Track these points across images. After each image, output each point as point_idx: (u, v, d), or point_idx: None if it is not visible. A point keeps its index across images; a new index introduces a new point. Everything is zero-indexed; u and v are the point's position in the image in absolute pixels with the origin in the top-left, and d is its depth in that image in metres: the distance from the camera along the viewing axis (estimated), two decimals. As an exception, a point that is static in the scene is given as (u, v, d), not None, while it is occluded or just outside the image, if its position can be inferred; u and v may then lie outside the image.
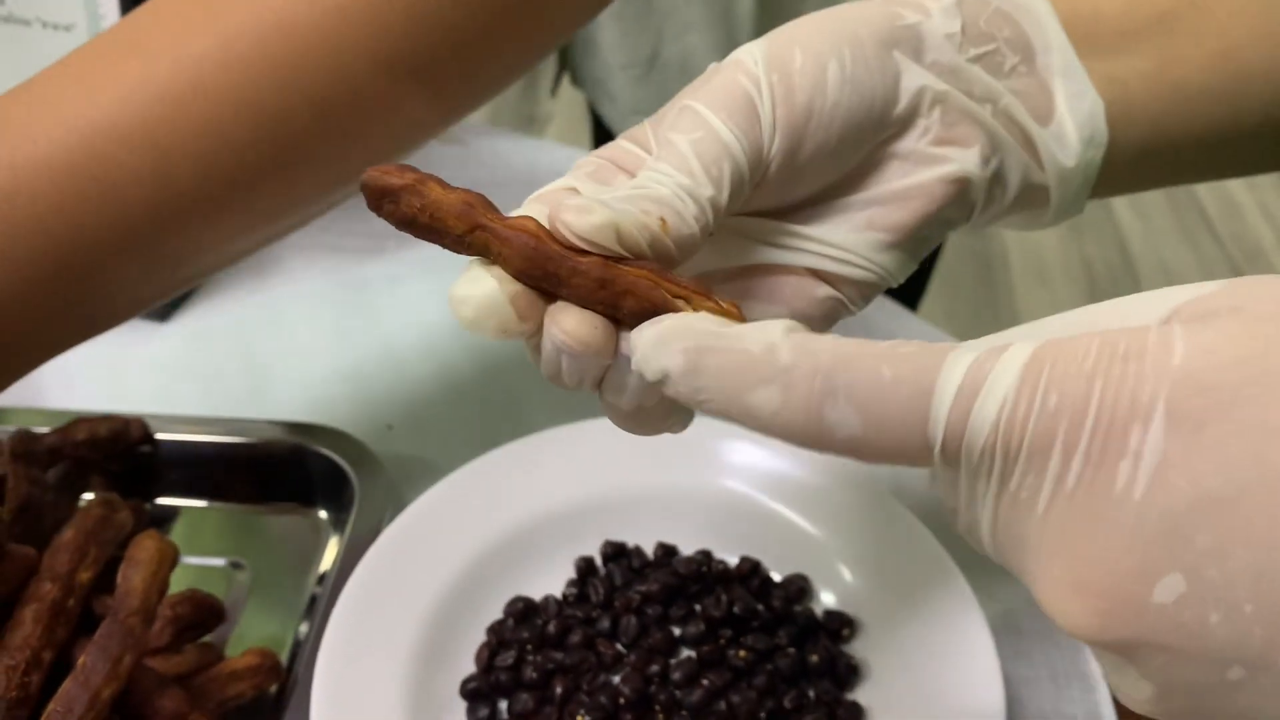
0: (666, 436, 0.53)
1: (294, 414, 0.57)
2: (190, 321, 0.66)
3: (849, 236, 0.30)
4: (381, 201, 0.27)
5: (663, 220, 0.26)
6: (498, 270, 0.26)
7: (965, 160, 0.31)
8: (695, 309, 0.25)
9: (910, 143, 0.31)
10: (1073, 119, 0.32)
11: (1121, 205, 2.17)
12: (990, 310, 1.92)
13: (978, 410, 0.21)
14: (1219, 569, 0.19)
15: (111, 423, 0.53)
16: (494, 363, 0.63)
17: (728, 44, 0.80)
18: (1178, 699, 0.21)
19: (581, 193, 0.28)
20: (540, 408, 0.59)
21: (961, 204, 0.32)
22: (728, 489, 0.52)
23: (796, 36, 0.29)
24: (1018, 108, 0.32)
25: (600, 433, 0.53)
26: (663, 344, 0.25)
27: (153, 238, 0.38)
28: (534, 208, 0.28)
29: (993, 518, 0.22)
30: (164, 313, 0.65)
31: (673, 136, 0.28)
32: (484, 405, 0.60)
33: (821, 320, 0.31)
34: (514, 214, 0.27)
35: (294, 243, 0.70)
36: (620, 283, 0.26)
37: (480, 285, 0.26)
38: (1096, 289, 2.00)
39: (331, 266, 0.69)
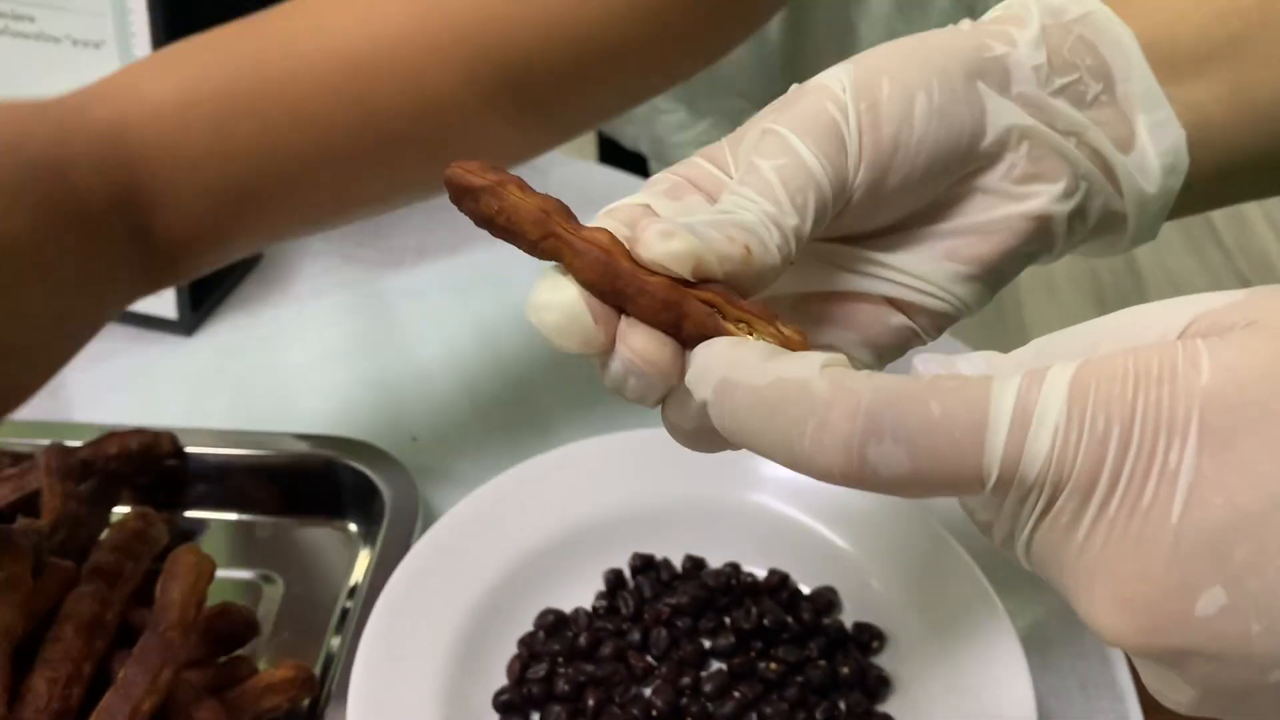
0: (692, 451, 0.53)
1: (319, 426, 0.58)
2: (215, 335, 0.66)
3: (928, 266, 0.30)
4: (462, 198, 0.27)
5: (747, 248, 0.26)
6: (566, 281, 0.26)
7: (1050, 196, 0.31)
8: (756, 335, 0.26)
9: (996, 178, 0.31)
10: (1155, 147, 0.32)
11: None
12: (998, 321, 1.92)
13: (1031, 441, 0.21)
14: (1259, 580, 0.20)
15: (142, 436, 0.54)
16: (517, 375, 0.63)
17: (754, 63, 0.81)
18: (1219, 701, 0.22)
19: (659, 212, 0.28)
20: (565, 420, 0.60)
21: (1044, 238, 0.31)
22: (755, 501, 0.52)
23: (885, 65, 0.29)
24: (1101, 139, 0.32)
25: (627, 446, 0.54)
26: (706, 371, 0.25)
27: (358, 166, 0.42)
28: (607, 223, 0.28)
29: (1031, 537, 0.22)
30: (190, 326, 0.65)
31: (758, 161, 0.28)
32: (508, 417, 0.61)
33: (893, 349, 0.31)
34: (590, 225, 0.27)
35: (315, 257, 0.71)
36: (684, 307, 0.26)
37: (562, 293, 0.26)
38: (1104, 300, 2.00)
39: (351, 278, 0.69)
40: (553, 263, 0.27)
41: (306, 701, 0.47)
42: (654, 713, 0.45)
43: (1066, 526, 0.22)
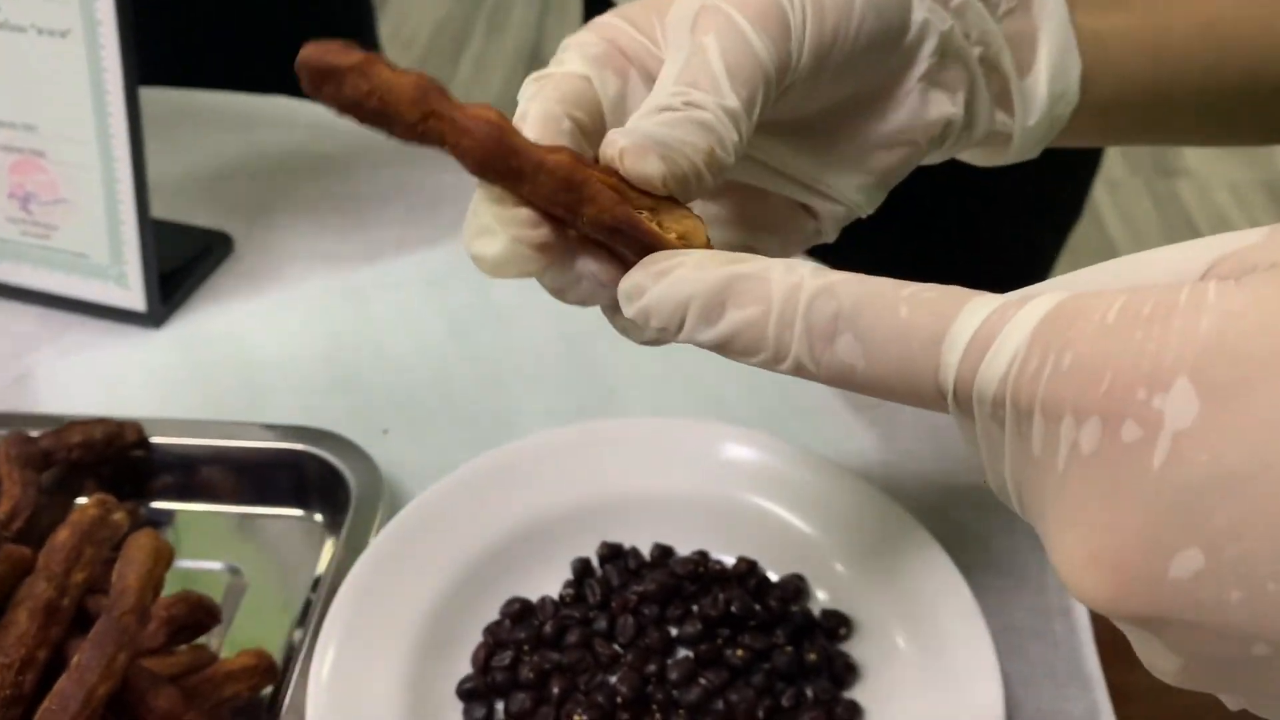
0: (661, 439, 0.53)
1: (290, 419, 0.57)
2: (184, 329, 0.66)
3: (839, 179, 0.31)
4: (322, 84, 0.24)
5: (711, 152, 0.26)
6: (508, 210, 0.25)
7: (950, 105, 0.32)
8: (662, 224, 0.25)
9: (912, 78, 0.31)
10: (1048, 74, 0.33)
11: (1111, 220, 2.18)
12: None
13: (987, 363, 0.21)
14: (1239, 547, 0.18)
15: (106, 426, 0.53)
16: (489, 369, 0.63)
17: None
18: (1205, 673, 0.21)
19: (599, 89, 0.27)
20: (536, 413, 0.59)
21: (936, 146, 0.32)
22: (724, 490, 0.52)
23: None
24: (1005, 55, 0.32)
25: (596, 436, 0.53)
26: (667, 301, 0.24)
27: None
28: (542, 96, 0.26)
29: (1014, 477, 0.22)
30: (159, 319, 0.65)
31: (704, 42, 0.27)
32: (480, 411, 0.60)
33: (797, 247, 0.32)
34: (521, 92, 0.26)
35: (290, 252, 0.70)
36: (587, 189, 0.24)
37: (495, 243, 0.25)
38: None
39: (327, 274, 0.69)
40: (480, 195, 0.25)
41: (269, 690, 0.47)
42: (619, 700, 0.44)
43: (1044, 464, 0.20)
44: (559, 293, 0.27)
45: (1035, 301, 0.21)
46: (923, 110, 0.31)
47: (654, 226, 0.25)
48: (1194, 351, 0.18)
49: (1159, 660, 0.21)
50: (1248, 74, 0.35)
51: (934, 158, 0.34)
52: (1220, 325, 0.18)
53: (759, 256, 0.24)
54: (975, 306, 0.21)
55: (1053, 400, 0.20)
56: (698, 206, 0.29)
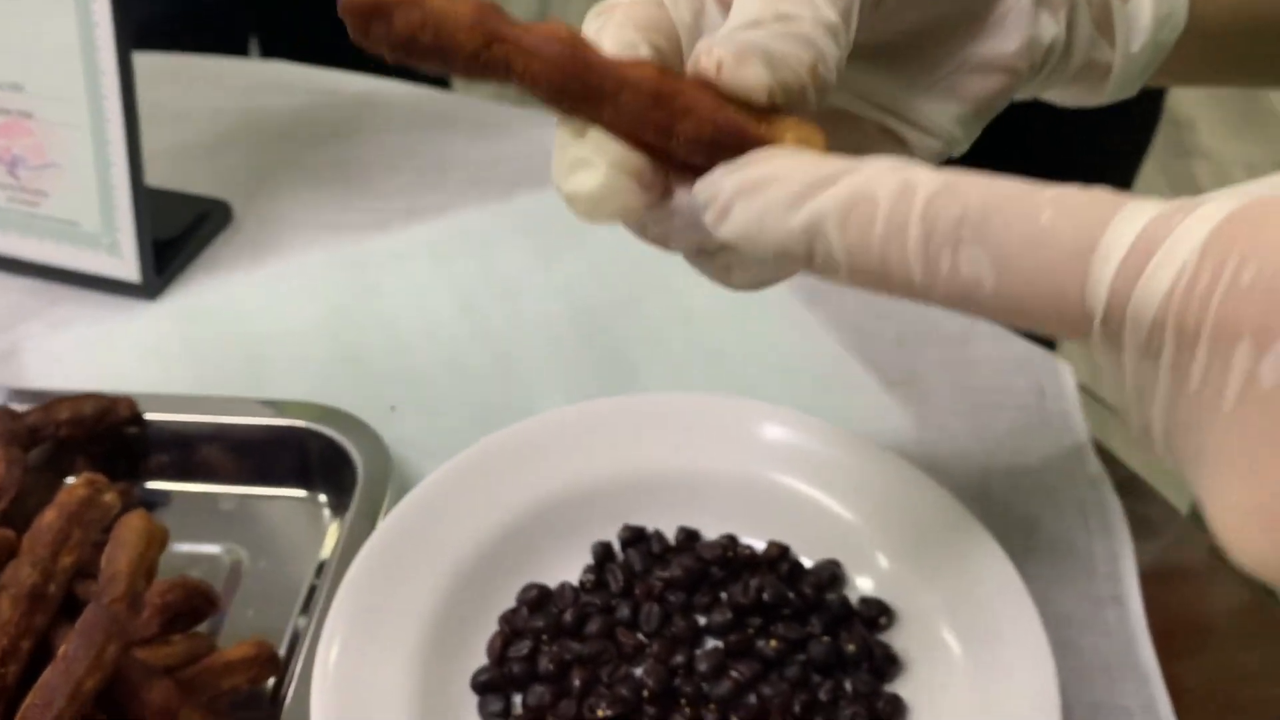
0: (687, 416, 0.50)
1: (292, 396, 0.54)
2: (180, 301, 0.62)
3: (933, 107, 0.28)
4: (370, 24, 0.22)
5: (814, 68, 0.23)
6: (597, 138, 0.22)
7: (1055, 26, 0.29)
8: (774, 134, 0.21)
9: (1009, 0, 0.28)
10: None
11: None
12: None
13: (1147, 278, 0.17)
14: None
15: (97, 401, 0.50)
16: (502, 345, 0.59)
17: None
18: None
19: (675, 17, 0.24)
20: (552, 390, 0.56)
21: (1036, 72, 0.30)
22: (754, 470, 0.49)
23: None
24: None
25: (617, 412, 0.50)
26: (759, 194, 0.21)
27: None
28: (612, 26, 0.24)
29: (1167, 417, 0.18)
30: (153, 290, 0.62)
31: None
32: (491, 387, 0.57)
33: None
34: (586, 31, 0.23)
35: (292, 221, 0.67)
36: (681, 101, 0.21)
37: (591, 177, 0.23)
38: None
39: (331, 245, 0.66)
40: (563, 130, 0.22)
41: (271, 682, 0.44)
42: (645, 693, 0.42)
43: (1208, 403, 0.17)
44: (662, 240, 0.24)
45: (1207, 207, 0.17)
46: (1025, 31, 0.29)
47: (763, 131, 0.21)
48: None
49: None
50: None
51: (1028, 90, 0.31)
52: None
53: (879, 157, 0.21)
54: (1132, 212, 0.18)
55: (1228, 322, 0.17)
56: None
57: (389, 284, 0.63)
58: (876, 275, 0.20)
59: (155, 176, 0.65)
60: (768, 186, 0.21)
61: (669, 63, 0.25)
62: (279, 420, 0.52)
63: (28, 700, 0.36)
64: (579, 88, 0.21)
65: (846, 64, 0.27)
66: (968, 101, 0.29)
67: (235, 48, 0.82)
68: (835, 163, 0.21)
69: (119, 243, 0.61)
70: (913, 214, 0.19)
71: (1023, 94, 0.31)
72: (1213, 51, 0.32)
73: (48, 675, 0.37)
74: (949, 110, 0.29)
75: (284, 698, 0.42)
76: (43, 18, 0.57)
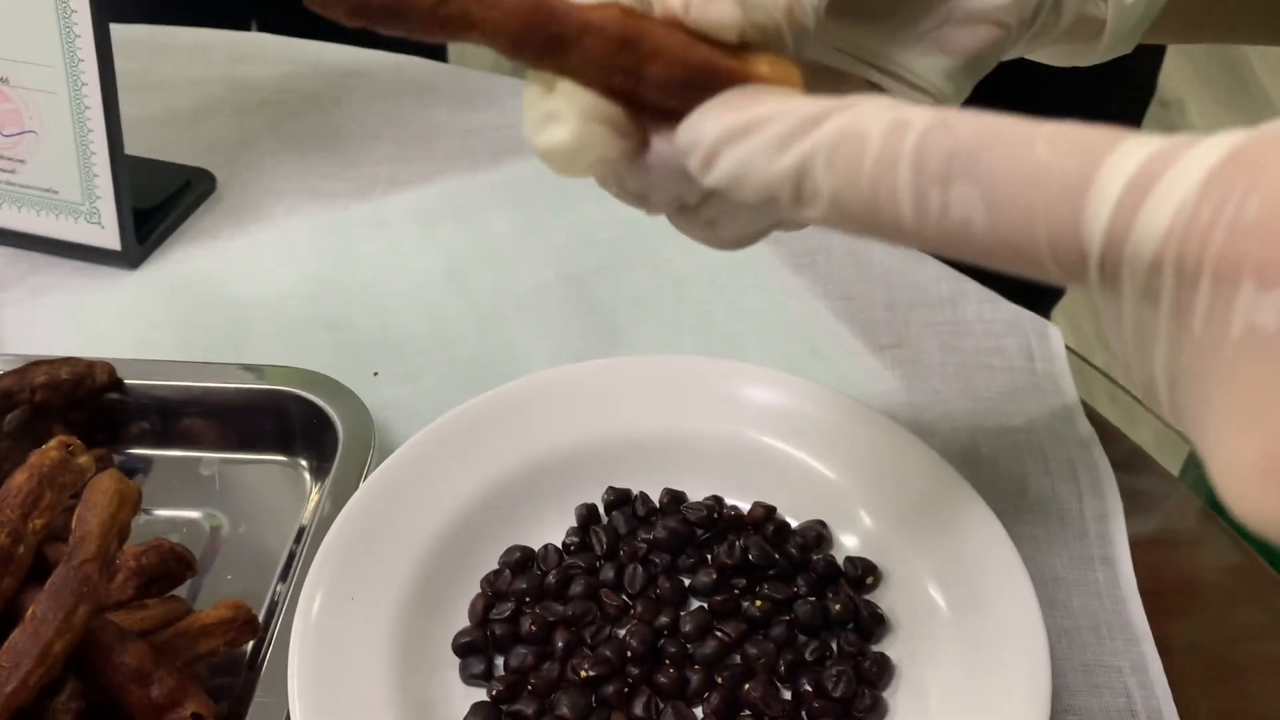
0: (672, 378, 0.49)
1: (275, 363, 0.53)
2: (162, 269, 0.62)
3: (923, 61, 0.28)
4: None
5: (789, 7, 0.22)
6: (568, 90, 0.21)
7: None
8: (749, 69, 0.21)
9: None
10: None
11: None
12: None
13: (1147, 215, 0.16)
14: None
15: (73, 365, 0.49)
16: (486, 310, 0.59)
17: None
18: None
19: None
20: (536, 356, 0.56)
21: (1027, 27, 0.29)
22: (739, 431, 0.48)
23: None
24: None
25: (601, 374, 0.50)
26: (746, 137, 0.20)
27: None
28: None
29: (1169, 368, 0.18)
30: (135, 259, 0.61)
31: None
32: (476, 352, 0.57)
33: None
34: None
35: (275, 190, 0.67)
36: (648, 42, 0.20)
37: (565, 127, 0.22)
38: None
39: (314, 211, 0.65)
40: (528, 79, 0.21)
41: (249, 648, 0.43)
42: (629, 654, 0.41)
43: (1207, 338, 0.16)
44: (642, 195, 0.23)
45: (1208, 142, 0.17)
46: None
47: (737, 65, 0.21)
48: None
49: None
50: None
51: (1020, 48, 0.30)
52: None
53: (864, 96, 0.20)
54: (1131, 147, 0.17)
55: (1231, 260, 0.16)
56: None
57: (372, 251, 0.63)
58: (866, 216, 0.19)
59: (139, 146, 0.64)
60: (755, 129, 0.20)
61: (639, 4, 0.24)
62: (260, 385, 0.51)
63: (-4, 661, 0.36)
64: (541, 37, 0.20)
65: (829, 16, 0.26)
66: (956, 54, 0.28)
67: (216, 21, 0.82)
68: (824, 101, 0.20)
69: (99, 210, 0.60)
70: (904, 150, 0.18)
71: (1014, 52, 0.30)
72: (1208, 3, 0.31)
73: (16, 636, 0.36)
74: (938, 64, 0.28)
75: (262, 662, 0.42)
76: (18, -19, 0.56)
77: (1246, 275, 0.16)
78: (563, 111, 0.22)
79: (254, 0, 0.97)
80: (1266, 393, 0.16)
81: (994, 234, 0.18)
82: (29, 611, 0.36)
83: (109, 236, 0.60)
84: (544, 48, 0.21)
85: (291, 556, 0.47)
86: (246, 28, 0.96)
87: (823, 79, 0.29)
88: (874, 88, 0.29)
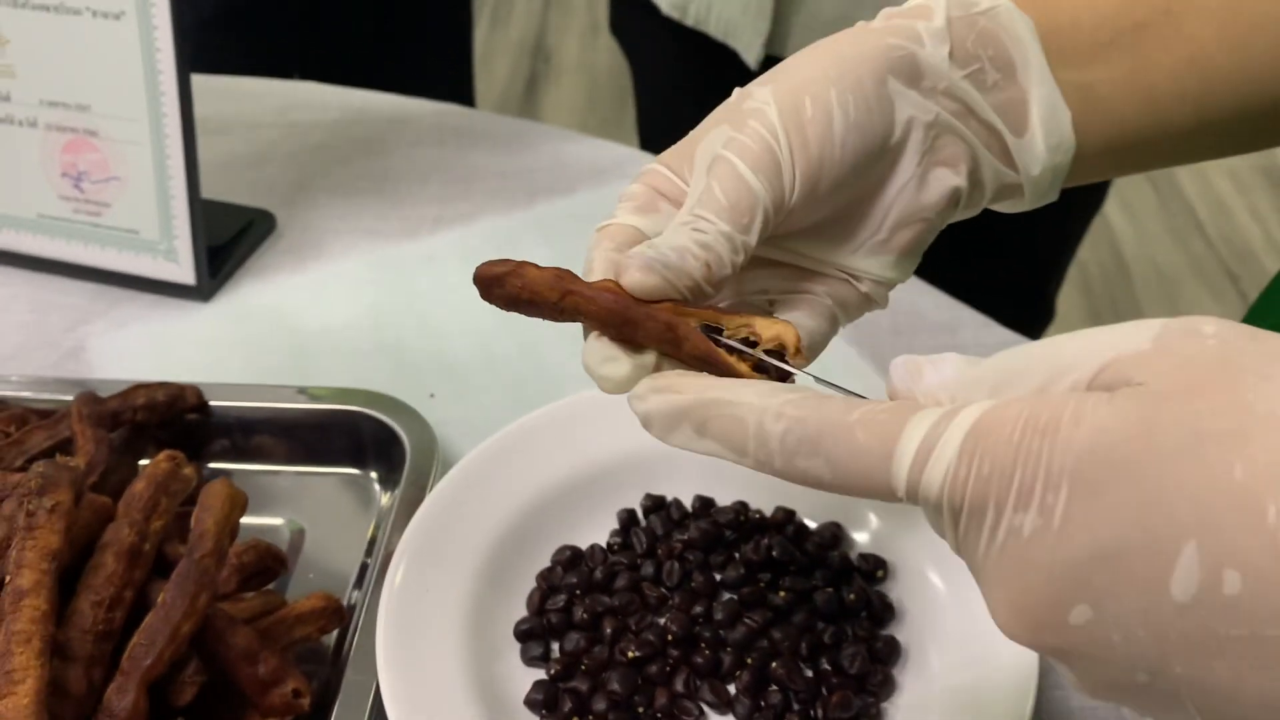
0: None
1: (338, 385, 0.59)
2: (232, 302, 0.68)
3: (864, 260, 0.36)
4: (491, 287, 0.32)
5: (708, 265, 0.32)
6: (614, 348, 0.32)
7: (955, 179, 0.36)
8: (756, 330, 0.32)
9: (908, 167, 0.35)
10: (1043, 129, 0.36)
11: (1114, 209, 2.20)
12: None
13: (928, 474, 0.26)
14: (1115, 603, 0.24)
15: (168, 389, 0.55)
16: (530, 337, 0.65)
17: None
18: (1109, 692, 0.26)
19: (641, 228, 0.34)
20: (576, 377, 0.61)
21: (951, 211, 0.36)
22: (762, 444, 0.54)
23: (805, 85, 0.34)
24: (997, 121, 0.36)
25: (637, 394, 0.56)
26: (665, 415, 0.31)
27: None
28: (604, 243, 0.34)
29: (959, 549, 0.27)
30: (207, 293, 0.67)
31: (713, 185, 0.33)
32: (523, 376, 0.63)
33: (856, 314, 0.37)
34: (592, 241, 0.34)
35: (331, 229, 0.73)
36: (682, 331, 0.31)
37: (619, 367, 0.32)
38: (1091, 293, 2.04)
39: (368, 249, 0.71)
40: (591, 334, 0.32)
41: (332, 638, 0.49)
42: (669, 638, 0.47)
43: (971, 541, 0.26)
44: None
45: (962, 416, 0.25)
46: (926, 191, 0.35)
47: (730, 359, 0.31)
48: (1074, 459, 0.24)
49: (1076, 681, 0.26)
50: (1239, 99, 0.38)
51: (954, 218, 0.37)
52: (1092, 437, 0.24)
53: (754, 383, 0.29)
54: (916, 424, 0.26)
55: (978, 500, 0.25)
56: (759, 281, 0.36)
57: (423, 284, 0.69)
58: (751, 465, 0.29)
59: (203, 188, 0.70)
60: (679, 419, 0.30)
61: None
62: (333, 405, 0.57)
63: (133, 641, 0.41)
64: (620, 321, 0.32)
65: (784, 240, 0.35)
66: (893, 252, 0.36)
67: (281, 75, 0.89)
68: (725, 390, 0.29)
69: (175, 249, 0.66)
70: (774, 441, 0.28)
71: (951, 220, 0.37)
72: (1111, 160, 0.39)
73: (150, 620, 0.42)
74: (880, 261, 0.36)
75: (348, 649, 0.47)
76: (108, 43, 0.63)
77: (989, 508, 0.25)
78: (619, 358, 0.32)
79: (296, 48, 1.04)
80: (1006, 570, 0.25)
81: (837, 485, 0.27)
82: (160, 598, 0.42)
83: (185, 272, 0.67)
84: (621, 327, 0.32)
85: (366, 557, 0.52)
86: (290, 75, 1.03)
87: (800, 274, 0.37)
88: (839, 278, 0.37)
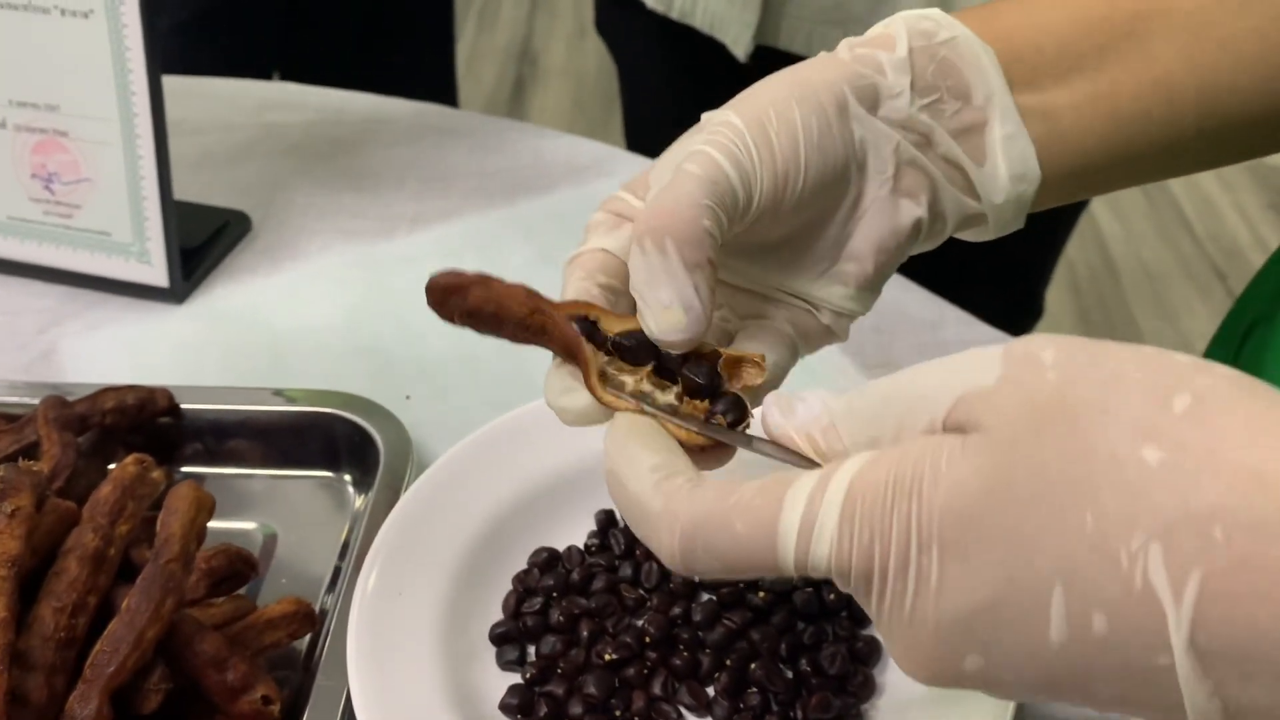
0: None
1: (312, 387, 0.59)
2: (205, 304, 0.67)
3: (823, 289, 0.36)
4: (448, 297, 0.32)
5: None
6: (575, 376, 0.32)
7: (915, 210, 0.35)
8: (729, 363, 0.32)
9: (869, 194, 0.35)
10: (1005, 158, 0.36)
11: (1101, 209, 2.20)
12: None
13: (814, 552, 0.27)
14: (1000, 651, 0.25)
15: (138, 392, 0.54)
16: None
17: None
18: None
19: (607, 249, 0.35)
20: (553, 377, 0.61)
21: (912, 243, 0.36)
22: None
23: (768, 104, 0.34)
24: (957, 151, 0.36)
25: (615, 393, 0.55)
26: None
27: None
28: (577, 272, 0.34)
29: (861, 601, 0.28)
30: (181, 295, 0.66)
31: (687, 165, 0.32)
32: (500, 377, 0.62)
33: (817, 346, 0.37)
34: (566, 267, 0.34)
35: (307, 229, 0.72)
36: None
37: (578, 399, 0.33)
38: (1080, 292, 2.04)
39: (345, 249, 0.71)
40: (554, 361, 0.32)
41: (304, 644, 0.48)
42: (647, 640, 0.46)
43: (865, 602, 0.27)
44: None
45: (834, 484, 0.26)
46: (886, 220, 0.35)
47: (670, 424, 0.32)
48: (938, 520, 0.25)
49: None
50: (1203, 120, 0.38)
51: (915, 249, 0.37)
52: (951, 496, 0.25)
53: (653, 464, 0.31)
54: (792, 502, 0.27)
55: (863, 568, 0.26)
56: (720, 300, 0.36)
57: (399, 284, 0.68)
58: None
59: (177, 190, 0.69)
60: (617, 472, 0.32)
61: (616, 290, 0.35)
62: (306, 407, 0.56)
63: (97, 648, 0.40)
64: (575, 348, 0.31)
65: (744, 266, 0.36)
66: (851, 283, 0.36)
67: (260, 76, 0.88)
68: (628, 482, 0.31)
69: (148, 251, 0.65)
70: (675, 544, 0.29)
71: (913, 251, 0.37)
72: (1078, 183, 0.38)
73: (114, 626, 0.41)
74: (839, 291, 0.36)
75: (319, 654, 0.46)
76: (78, 42, 0.62)
77: (874, 574, 0.26)
78: (577, 388, 0.33)
79: (277, 51, 1.03)
80: (897, 627, 0.27)
81: (732, 574, 0.29)
82: (124, 604, 0.41)
83: (158, 274, 0.66)
84: (573, 355, 0.32)
85: (341, 558, 0.52)
86: (269, 77, 1.02)
87: (763, 301, 0.37)
88: (801, 308, 0.36)
